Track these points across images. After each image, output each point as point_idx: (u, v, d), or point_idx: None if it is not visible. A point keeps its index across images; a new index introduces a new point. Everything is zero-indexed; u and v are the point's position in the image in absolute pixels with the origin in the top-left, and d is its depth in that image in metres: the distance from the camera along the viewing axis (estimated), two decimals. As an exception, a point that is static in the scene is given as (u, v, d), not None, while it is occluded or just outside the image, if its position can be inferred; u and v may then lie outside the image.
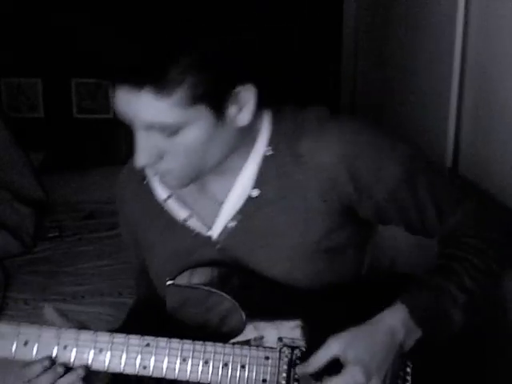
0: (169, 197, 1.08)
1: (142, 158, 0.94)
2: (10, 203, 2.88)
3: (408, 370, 0.98)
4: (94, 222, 3.11)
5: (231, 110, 0.95)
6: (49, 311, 0.99)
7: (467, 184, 1.09)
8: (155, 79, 0.88)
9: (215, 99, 0.93)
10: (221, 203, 1.04)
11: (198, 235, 1.06)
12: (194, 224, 1.06)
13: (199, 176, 1.01)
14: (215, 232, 1.05)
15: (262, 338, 0.99)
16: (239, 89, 0.94)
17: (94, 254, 2.68)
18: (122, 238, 1.25)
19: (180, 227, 1.07)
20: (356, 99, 3.35)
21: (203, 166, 0.99)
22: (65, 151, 3.65)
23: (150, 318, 1.16)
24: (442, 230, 1.05)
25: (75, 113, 3.71)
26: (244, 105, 0.95)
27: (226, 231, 1.04)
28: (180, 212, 1.07)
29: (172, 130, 0.92)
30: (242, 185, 1.03)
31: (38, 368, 0.95)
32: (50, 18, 3.45)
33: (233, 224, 1.03)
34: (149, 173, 1.11)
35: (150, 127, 0.92)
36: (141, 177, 1.12)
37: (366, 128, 1.03)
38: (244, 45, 0.97)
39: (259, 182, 1.02)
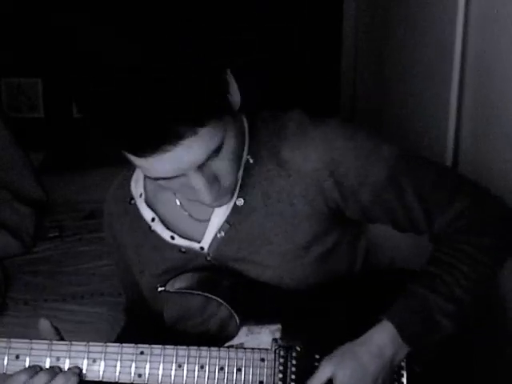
0: (153, 218, 1.09)
1: (210, 194, 0.92)
2: (9, 203, 2.88)
3: (403, 378, 0.98)
4: (94, 222, 3.10)
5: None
6: (44, 323, 0.99)
7: (464, 181, 1.05)
8: (196, 125, 0.83)
9: (225, 97, 0.91)
10: (206, 222, 1.05)
11: (188, 250, 1.06)
12: (181, 242, 1.07)
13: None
14: (205, 244, 1.05)
15: (242, 344, 1.00)
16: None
17: (94, 254, 2.67)
18: (113, 261, 1.25)
19: (168, 245, 1.08)
20: (356, 99, 3.35)
21: (241, 163, 1.00)
22: (65, 151, 3.65)
23: (144, 333, 1.16)
24: (432, 230, 1.03)
25: (75, 113, 3.71)
26: (230, 87, 0.92)
27: (215, 242, 1.04)
28: (165, 232, 1.08)
29: (218, 149, 0.89)
30: None
31: (29, 372, 0.95)
32: (50, 18, 3.45)
33: (222, 234, 1.04)
34: (135, 193, 1.12)
35: (202, 164, 0.88)
36: (128, 197, 1.13)
37: (349, 131, 1.02)
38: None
39: (243, 191, 1.02)
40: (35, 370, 0.95)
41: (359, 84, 3.30)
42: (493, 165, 1.70)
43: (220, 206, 1.01)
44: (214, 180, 0.92)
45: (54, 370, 0.96)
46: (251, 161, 1.02)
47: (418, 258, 1.22)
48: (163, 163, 0.84)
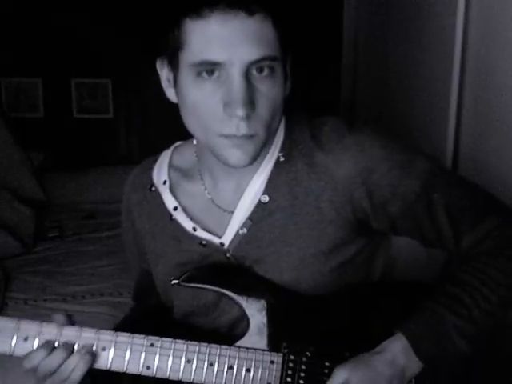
0: (176, 207, 1.07)
1: (244, 104, 0.88)
2: (10, 203, 2.88)
3: None
4: (94, 222, 3.11)
5: (287, 70, 0.97)
6: (57, 318, 0.96)
7: (495, 202, 1.02)
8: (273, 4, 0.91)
9: (288, 52, 0.96)
10: (230, 213, 1.03)
11: (207, 244, 1.04)
12: (203, 234, 1.05)
13: (265, 145, 0.97)
14: (226, 239, 1.03)
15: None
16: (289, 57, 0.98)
17: (94, 254, 2.68)
18: (125, 247, 1.23)
19: (188, 236, 1.06)
20: (356, 99, 3.35)
21: (276, 124, 0.97)
22: (65, 151, 3.65)
23: (149, 321, 1.15)
24: (458, 248, 1.00)
25: (75, 113, 3.72)
26: (288, 73, 0.98)
27: (237, 238, 1.03)
28: (187, 223, 1.06)
29: (271, 68, 0.91)
30: (253, 191, 1.02)
31: (45, 350, 0.93)
32: (50, 18, 3.46)
33: (244, 231, 1.02)
34: (156, 180, 1.10)
35: (252, 65, 0.89)
36: (148, 184, 1.11)
37: (384, 141, 1.01)
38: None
39: (269, 188, 1.02)
40: (50, 347, 0.93)
41: (359, 84, 3.30)
42: (493, 165, 1.70)
43: (243, 162, 0.94)
44: (251, 100, 0.90)
45: (69, 348, 0.94)
46: (282, 159, 1.02)
47: (434, 272, 1.20)
48: (225, 32, 0.87)
